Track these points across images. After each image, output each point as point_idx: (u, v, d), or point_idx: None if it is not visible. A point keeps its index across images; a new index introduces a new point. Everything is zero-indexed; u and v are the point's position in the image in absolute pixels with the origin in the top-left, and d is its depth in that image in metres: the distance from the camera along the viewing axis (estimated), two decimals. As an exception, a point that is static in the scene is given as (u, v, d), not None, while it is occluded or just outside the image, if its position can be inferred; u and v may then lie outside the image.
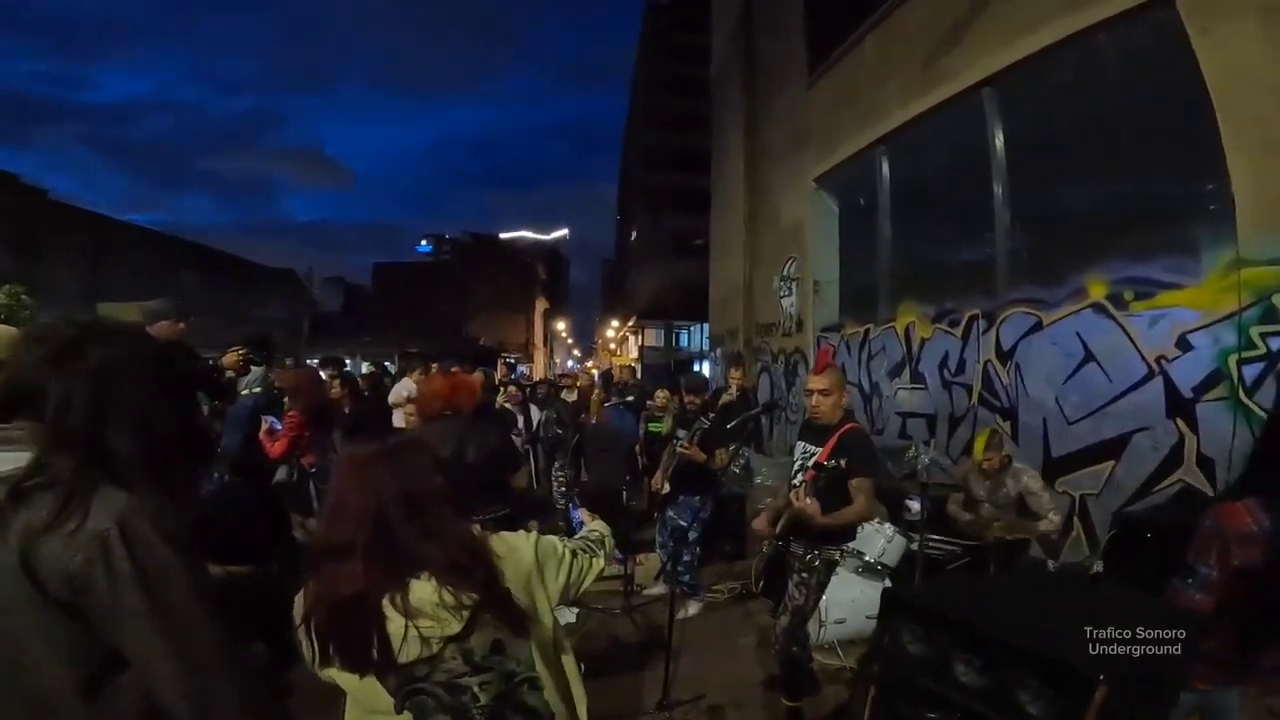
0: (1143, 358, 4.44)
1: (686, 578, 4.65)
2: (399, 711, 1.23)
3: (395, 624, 1.18)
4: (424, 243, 77.71)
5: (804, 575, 2.98)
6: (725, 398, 5.99)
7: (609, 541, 1.58)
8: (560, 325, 66.00)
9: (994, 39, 5.49)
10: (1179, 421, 4.20)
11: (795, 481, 3.09)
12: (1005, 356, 5.60)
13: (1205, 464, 4.04)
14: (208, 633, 1.00)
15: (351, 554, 1.19)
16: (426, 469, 1.31)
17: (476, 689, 1.24)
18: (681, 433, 4.80)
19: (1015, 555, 3.89)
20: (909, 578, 3.84)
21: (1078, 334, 4.92)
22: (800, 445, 3.18)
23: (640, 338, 36.04)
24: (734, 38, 12.66)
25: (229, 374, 3.85)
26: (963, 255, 6.44)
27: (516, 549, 1.34)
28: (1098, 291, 4.78)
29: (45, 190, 23.96)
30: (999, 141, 5.76)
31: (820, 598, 3.05)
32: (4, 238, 20.16)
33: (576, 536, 1.59)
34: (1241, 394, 3.81)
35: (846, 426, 3.00)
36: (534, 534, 1.42)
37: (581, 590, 1.48)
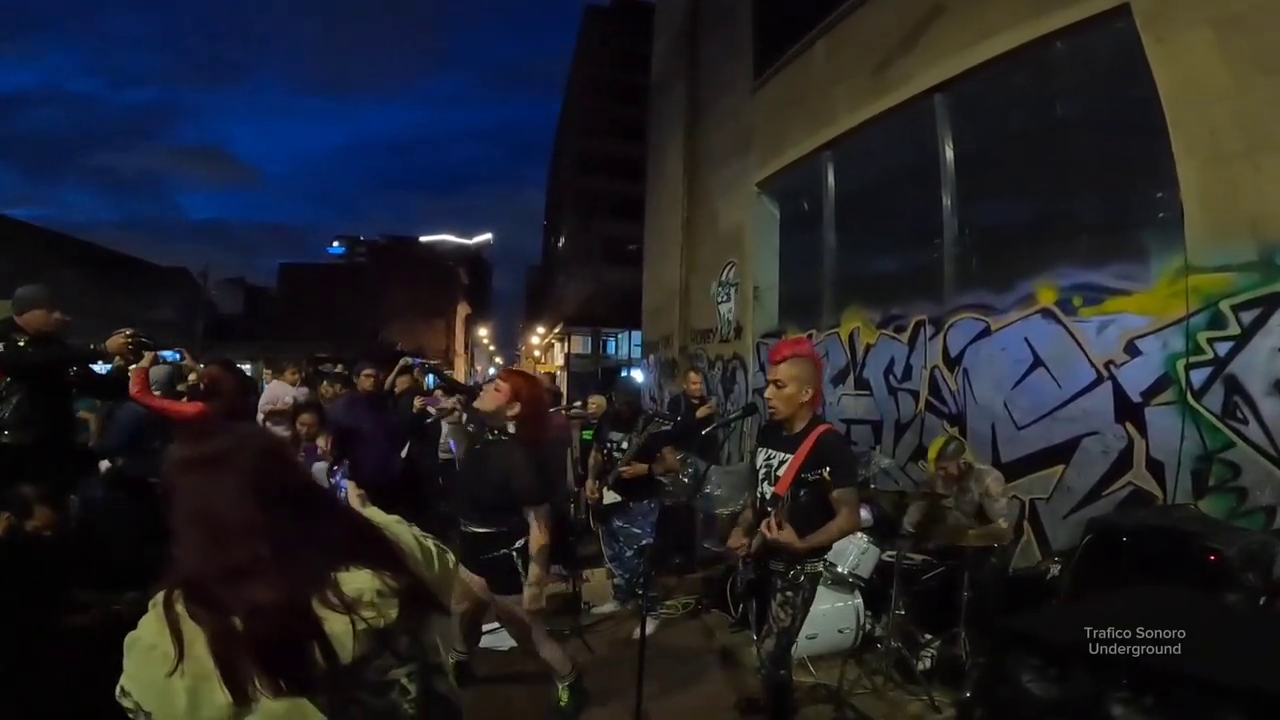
0: (1091, 363, 4.50)
1: (641, 591, 4.34)
2: None
3: (336, 623, 1.03)
4: (336, 244, 74.05)
5: (789, 594, 2.72)
6: (705, 409, 5.70)
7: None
8: (482, 332, 64.43)
9: (951, 45, 5.51)
10: (1128, 425, 4.25)
11: (764, 492, 2.81)
12: (953, 362, 5.61)
13: (1155, 467, 4.09)
14: None
15: (260, 567, 1.01)
16: (289, 454, 1.20)
17: (405, 680, 1.13)
18: (616, 435, 4.49)
19: (984, 562, 3.81)
20: (883, 590, 3.68)
21: (1026, 339, 4.96)
22: (764, 452, 2.85)
23: (567, 345, 35.47)
24: (678, 40, 12.46)
25: (117, 362, 3.12)
26: (909, 261, 6.43)
27: (389, 527, 1.26)
28: (1047, 297, 4.83)
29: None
30: (949, 148, 5.78)
31: (806, 615, 2.81)
32: None
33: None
34: (1190, 398, 3.87)
35: (819, 430, 2.72)
36: (392, 516, 1.31)
37: (450, 591, 1.38)
